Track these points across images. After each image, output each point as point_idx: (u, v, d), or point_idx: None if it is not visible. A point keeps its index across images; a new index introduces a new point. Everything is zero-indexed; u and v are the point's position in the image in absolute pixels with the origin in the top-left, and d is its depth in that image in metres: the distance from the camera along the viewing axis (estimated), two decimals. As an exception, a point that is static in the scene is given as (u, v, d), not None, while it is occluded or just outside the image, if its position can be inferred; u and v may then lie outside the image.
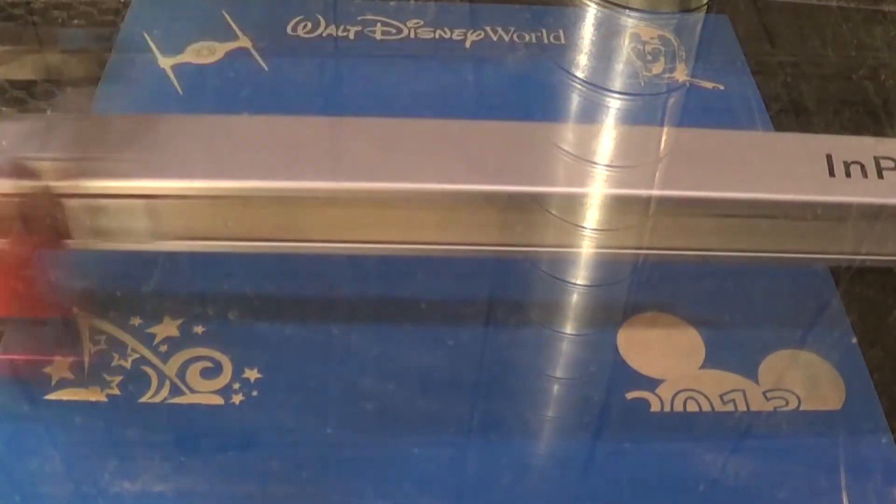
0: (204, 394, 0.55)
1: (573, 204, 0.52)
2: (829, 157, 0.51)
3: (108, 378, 0.55)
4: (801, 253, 0.52)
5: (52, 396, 0.54)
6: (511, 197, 0.50)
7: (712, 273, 0.62)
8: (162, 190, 0.49)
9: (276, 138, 0.52)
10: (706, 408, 0.56)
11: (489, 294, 0.62)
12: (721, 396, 0.57)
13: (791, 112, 0.71)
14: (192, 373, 0.56)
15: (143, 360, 0.56)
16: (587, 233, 0.53)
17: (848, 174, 0.51)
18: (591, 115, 0.57)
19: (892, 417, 0.56)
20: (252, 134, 0.52)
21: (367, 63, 0.76)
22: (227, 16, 0.78)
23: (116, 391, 0.55)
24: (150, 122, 0.53)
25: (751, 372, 0.58)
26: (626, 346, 0.59)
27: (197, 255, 0.59)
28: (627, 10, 0.59)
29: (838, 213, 0.50)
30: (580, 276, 0.61)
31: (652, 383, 0.57)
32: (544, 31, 0.76)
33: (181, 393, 0.55)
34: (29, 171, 0.48)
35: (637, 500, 0.53)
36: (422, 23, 0.79)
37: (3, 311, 0.54)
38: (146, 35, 0.76)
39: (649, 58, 0.63)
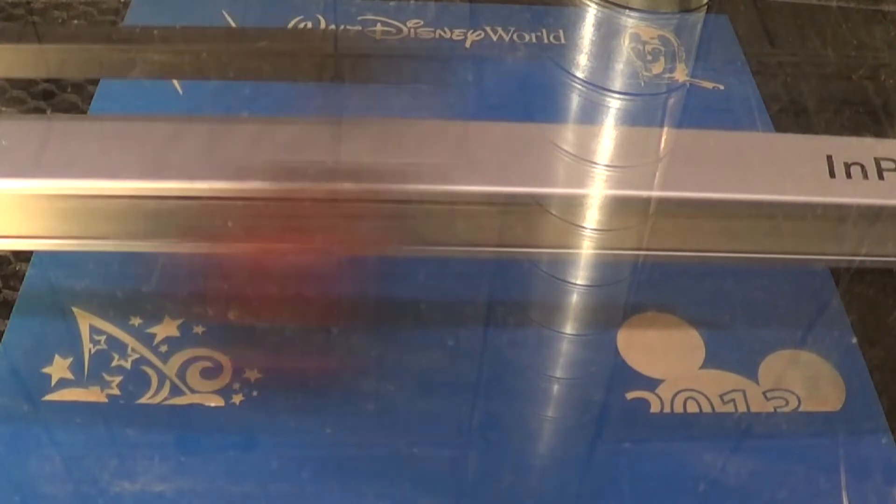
0: (204, 394, 0.55)
1: (573, 204, 0.52)
2: (829, 158, 0.51)
3: (108, 378, 0.55)
4: (801, 253, 0.52)
5: (51, 396, 0.54)
6: (511, 197, 0.50)
7: (712, 273, 0.62)
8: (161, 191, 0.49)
9: (276, 139, 0.52)
10: (706, 408, 0.56)
11: (489, 294, 0.62)
12: (721, 396, 0.57)
13: (791, 112, 0.71)
14: (192, 373, 0.56)
15: (143, 360, 0.56)
16: (587, 233, 0.53)
17: (848, 175, 0.51)
18: (590, 115, 0.57)
19: (892, 417, 0.56)
20: (252, 134, 0.52)
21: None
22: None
23: (116, 391, 0.55)
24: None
25: (751, 372, 0.58)
26: (626, 346, 0.59)
27: (197, 255, 0.59)
28: (627, 10, 0.59)
29: (839, 214, 0.50)
30: (580, 276, 0.61)
31: (652, 383, 0.57)
32: (544, 31, 0.76)
33: (181, 393, 0.55)
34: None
35: (637, 501, 0.53)
36: (422, 23, 0.79)
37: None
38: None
39: (649, 58, 0.63)
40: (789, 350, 0.60)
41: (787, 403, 0.57)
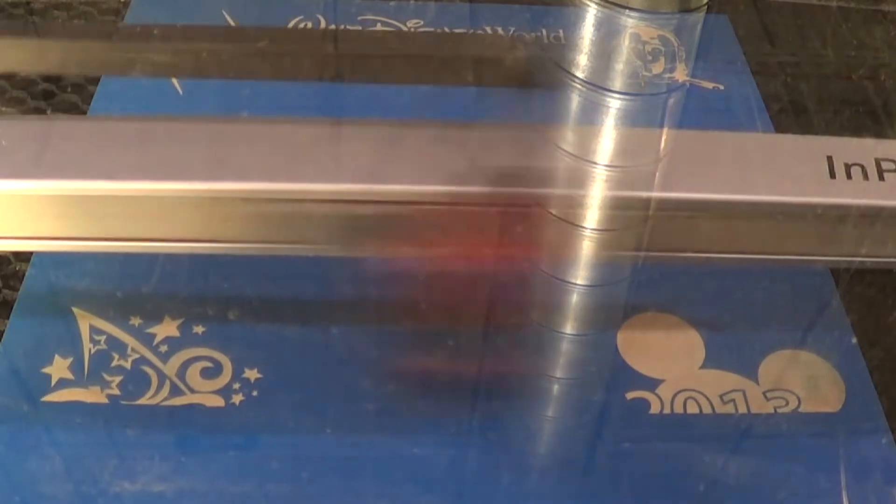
0: (204, 394, 0.55)
1: (573, 205, 0.52)
2: (829, 159, 0.51)
3: (108, 378, 0.55)
4: (801, 254, 0.52)
5: (51, 397, 0.54)
6: (511, 198, 0.50)
7: (712, 273, 0.62)
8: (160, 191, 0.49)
9: (276, 140, 0.52)
10: (706, 408, 0.56)
11: (490, 294, 0.62)
12: (721, 396, 0.57)
13: (791, 112, 0.71)
14: (192, 373, 0.56)
15: (143, 360, 0.56)
16: (587, 233, 0.53)
17: (849, 176, 0.51)
18: (590, 115, 0.57)
19: (892, 417, 0.56)
20: (252, 135, 0.52)
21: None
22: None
23: (116, 391, 0.55)
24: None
25: (751, 372, 0.58)
26: (626, 346, 0.59)
27: (197, 255, 0.59)
28: (627, 10, 0.59)
29: (839, 215, 0.50)
30: (580, 277, 0.61)
31: (652, 383, 0.57)
32: (544, 31, 0.76)
33: (181, 393, 0.55)
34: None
35: (637, 501, 0.53)
36: (422, 23, 0.79)
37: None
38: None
39: (649, 58, 0.63)
40: (789, 350, 0.60)
41: (787, 403, 0.57)
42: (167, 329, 0.58)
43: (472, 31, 0.77)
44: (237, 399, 0.55)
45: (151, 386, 0.55)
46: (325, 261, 0.58)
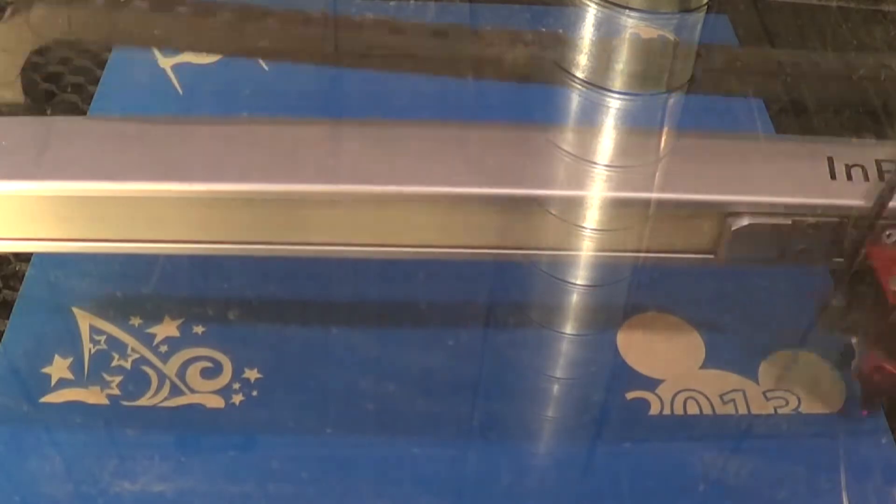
0: (204, 394, 0.55)
1: (573, 205, 0.52)
2: (830, 160, 0.51)
3: (108, 378, 0.55)
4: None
5: (51, 397, 0.54)
6: (512, 199, 0.50)
7: (712, 273, 0.62)
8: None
9: (276, 140, 0.52)
10: (706, 408, 0.56)
11: (490, 295, 0.62)
12: (721, 396, 0.57)
13: (791, 112, 0.71)
14: (192, 373, 0.56)
15: (143, 360, 0.56)
16: (587, 233, 0.53)
17: (849, 177, 0.51)
18: (590, 115, 0.57)
19: (892, 417, 0.56)
20: (252, 135, 0.52)
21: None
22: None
23: (116, 391, 0.55)
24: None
25: (751, 372, 0.58)
26: (626, 346, 0.59)
27: (197, 255, 0.59)
28: (627, 10, 0.59)
29: (839, 216, 0.50)
30: (580, 277, 0.61)
31: (652, 383, 0.57)
32: (544, 31, 0.76)
33: (181, 393, 0.55)
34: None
35: (637, 501, 0.53)
36: (422, 23, 0.79)
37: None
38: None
39: (649, 58, 0.63)
40: (789, 350, 0.60)
41: (787, 403, 0.57)
42: (167, 329, 0.58)
43: (472, 30, 0.77)
44: (237, 399, 0.55)
45: (151, 386, 0.55)
46: (325, 261, 0.58)
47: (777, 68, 0.73)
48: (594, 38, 0.59)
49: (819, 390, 0.58)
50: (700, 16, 0.63)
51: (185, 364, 0.56)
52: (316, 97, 0.73)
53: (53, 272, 0.61)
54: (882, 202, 0.49)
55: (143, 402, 0.54)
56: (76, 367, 0.56)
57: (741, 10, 0.80)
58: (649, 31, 0.61)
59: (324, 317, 0.60)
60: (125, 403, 0.54)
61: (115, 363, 0.56)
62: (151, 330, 0.58)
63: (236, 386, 0.56)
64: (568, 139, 0.54)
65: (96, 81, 0.72)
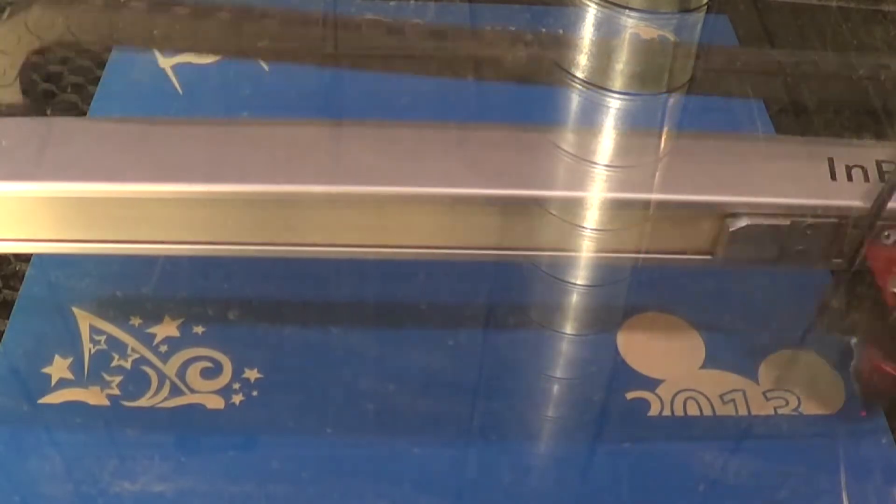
0: (204, 394, 0.55)
1: (573, 205, 0.52)
2: (830, 161, 0.51)
3: (108, 378, 0.55)
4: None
5: (51, 397, 0.54)
6: (512, 199, 0.50)
7: (712, 273, 0.62)
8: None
9: (276, 141, 0.52)
10: (706, 408, 0.56)
11: (490, 295, 0.62)
12: (721, 397, 0.57)
13: (791, 112, 0.71)
14: (192, 373, 0.56)
15: (143, 360, 0.56)
16: (587, 233, 0.53)
17: (849, 178, 0.51)
18: (590, 115, 0.57)
19: (892, 417, 0.56)
20: (251, 136, 0.52)
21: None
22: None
23: (116, 391, 0.55)
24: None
25: (751, 372, 0.58)
26: (626, 346, 0.59)
27: (197, 256, 0.59)
28: (627, 10, 0.59)
29: (839, 217, 0.50)
30: (581, 277, 0.61)
31: (652, 383, 0.57)
32: (544, 31, 0.76)
33: (181, 393, 0.55)
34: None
35: (637, 501, 0.53)
36: (422, 23, 0.79)
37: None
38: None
39: (649, 58, 0.63)
40: (789, 350, 0.60)
41: (787, 404, 0.57)
42: (167, 329, 0.58)
43: (472, 30, 0.77)
44: (237, 399, 0.55)
45: (151, 386, 0.55)
46: (325, 261, 0.58)
47: (777, 68, 0.73)
48: (594, 38, 0.59)
49: (819, 390, 0.58)
50: (700, 16, 0.63)
51: (185, 364, 0.56)
52: (316, 97, 0.73)
53: (53, 272, 0.61)
54: (882, 203, 0.49)
55: (143, 402, 0.54)
56: (76, 367, 0.56)
57: (741, 10, 0.80)
58: (649, 31, 0.61)
59: (324, 317, 0.60)
60: (125, 403, 0.54)
61: (115, 363, 0.56)
62: (151, 330, 0.58)
63: (236, 386, 0.56)
64: (568, 139, 0.54)
65: (96, 81, 0.72)
